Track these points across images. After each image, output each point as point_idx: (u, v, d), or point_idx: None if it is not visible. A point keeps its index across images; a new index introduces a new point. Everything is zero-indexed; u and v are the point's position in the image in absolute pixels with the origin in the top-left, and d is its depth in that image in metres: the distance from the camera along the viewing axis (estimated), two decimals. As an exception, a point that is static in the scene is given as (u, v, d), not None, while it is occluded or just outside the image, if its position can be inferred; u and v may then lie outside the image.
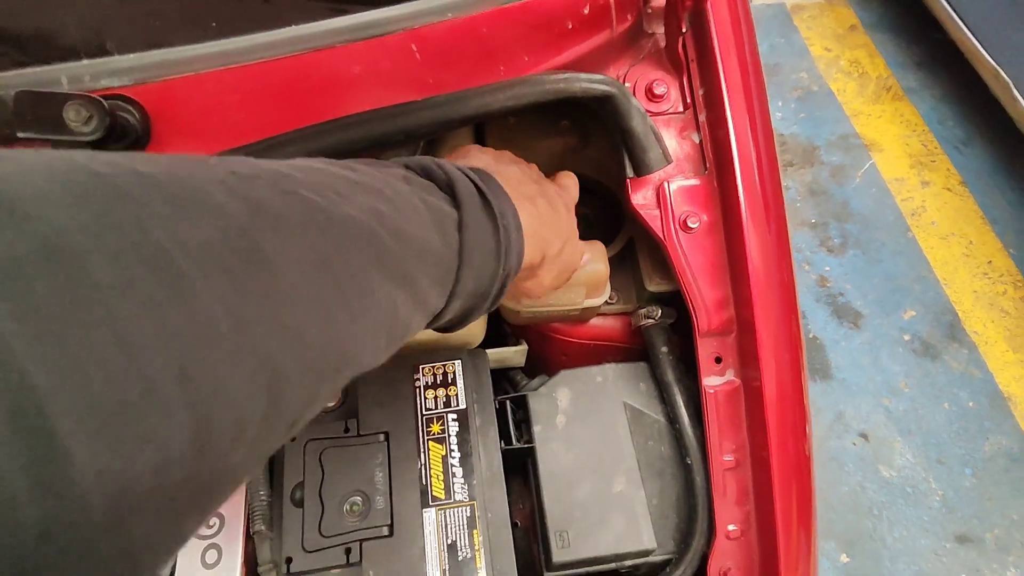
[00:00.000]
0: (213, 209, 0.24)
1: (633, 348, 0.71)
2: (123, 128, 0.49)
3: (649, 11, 0.62)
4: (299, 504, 0.56)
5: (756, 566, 0.59)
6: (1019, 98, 1.89)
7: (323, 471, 0.57)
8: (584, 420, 0.63)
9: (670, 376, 0.63)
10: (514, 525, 0.58)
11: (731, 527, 0.59)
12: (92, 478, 0.17)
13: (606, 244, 0.63)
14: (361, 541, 0.55)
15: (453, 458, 0.58)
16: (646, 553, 0.58)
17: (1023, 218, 2.03)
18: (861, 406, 1.77)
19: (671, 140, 0.62)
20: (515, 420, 0.64)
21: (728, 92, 0.60)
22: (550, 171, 0.57)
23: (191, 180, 0.24)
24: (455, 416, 0.60)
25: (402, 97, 0.55)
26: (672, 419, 0.63)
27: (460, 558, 0.54)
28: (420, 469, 0.57)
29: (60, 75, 0.50)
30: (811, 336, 1.87)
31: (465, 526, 0.55)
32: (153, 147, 0.52)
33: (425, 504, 0.56)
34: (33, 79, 0.50)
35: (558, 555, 0.57)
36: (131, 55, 0.52)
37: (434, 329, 0.41)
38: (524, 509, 0.67)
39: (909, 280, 1.95)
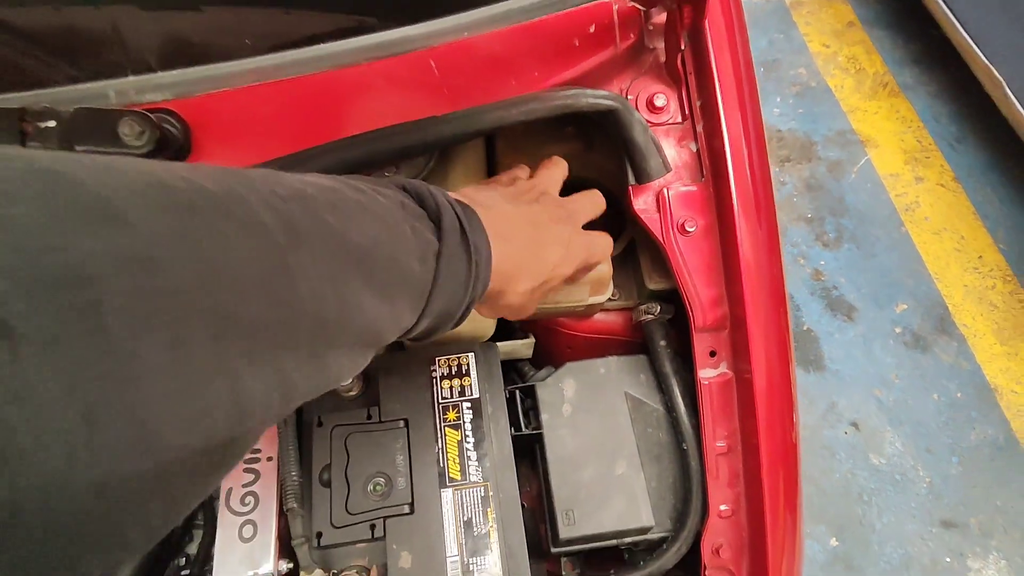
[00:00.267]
0: (258, 226, 0.28)
1: (634, 342, 0.75)
2: (168, 140, 0.53)
3: (650, 28, 0.66)
4: (327, 484, 0.61)
5: (745, 543, 0.63)
6: (1011, 97, 1.91)
7: (348, 454, 0.62)
8: (588, 408, 0.67)
9: (668, 368, 0.67)
10: (521, 506, 0.63)
11: (723, 507, 0.63)
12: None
13: None
14: (384, 518, 0.59)
15: (468, 443, 0.62)
16: (645, 530, 0.63)
17: (1014, 214, 2.07)
18: (853, 397, 1.82)
19: (670, 149, 0.66)
20: (524, 408, 0.69)
21: (723, 104, 0.64)
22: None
23: (244, 199, 0.29)
24: (469, 404, 0.64)
25: (422, 110, 0.59)
26: (670, 408, 0.67)
27: (476, 533, 0.59)
28: (437, 453, 0.62)
29: (108, 90, 0.55)
30: (805, 328, 1.92)
31: (480, 504, 0.60)
32: (193, 157, 0.56)
33: (443, 484, 0.61)
34: (84, 94, 0.54)
35: (564, 531, 0.62)
36: (173, 71, 0.56)
37: (402, 340, 0.45)
38: (531, 492, 0.72)
39: (902, 274, 2.00)
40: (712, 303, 0.64)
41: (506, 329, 0.78)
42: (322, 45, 0.58)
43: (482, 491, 0.60)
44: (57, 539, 0.19)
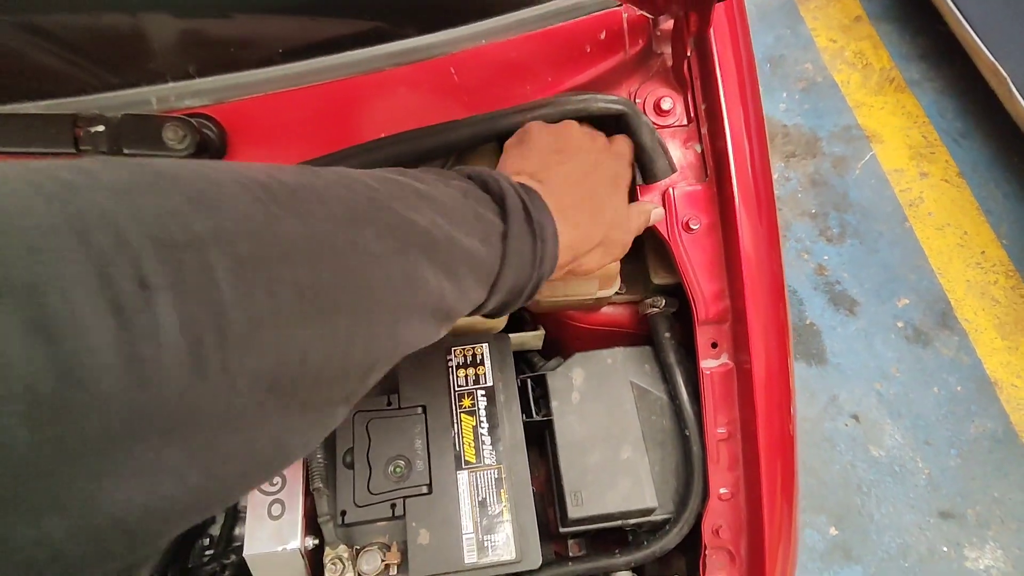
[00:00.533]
0: (331, 209, 0.34)
1: (639, 334, 0.78)
2: (206, 143, 0.57)
3: (658, 33, 0.69)
4: (350, 466, 0.65)
5: (744, 524, 0.67)
6: (1016, 93, 1.92)
7: (370, 438, 0.66)
8: (596, 396, 0.71)
9: (672, 359, 0.70)
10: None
11: (723, 490, 0.67)
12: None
13: None
14: (404, 498, 0.63)
15: (482, 428, 0.66)
16: (648, 512, 0.67)
17: (1017, 210, 2.09)
18: (854, 390, 1.85)
19: (676, 150, 0.69)
20: (534, 396, 0.72)
21: (727, 108, 0.67)
22: None
23: (315, 189, 0.34)
24: (483, 392, 0.68)
25: (442, 112, 0.63)
26: (673, 396, 0.70)
27: (490, 513, 0.62)
28: (454, 437, 0.66)
29: (150, 96, 0.58)
30: (808, 322, 1.95)
31: (494, 486, 0.64)
32: (228, 159, 0.60)
33: (459, 467, 0.64)
34: (128, 100, 0.58)
35: (573, 512, 0.66)
36: (210, 78, 0.60)
37: (481, 315, 0.49)
38: (540, 476, 0.76)
39: (905, 269, 2.02)
40: (714, 297, 0.68)
41: (517, 321, 0.82)
42: (348, 52, 0.61)
43: (496, 473, 0.64)
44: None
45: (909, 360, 1.88)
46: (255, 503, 0.63)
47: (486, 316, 0.50)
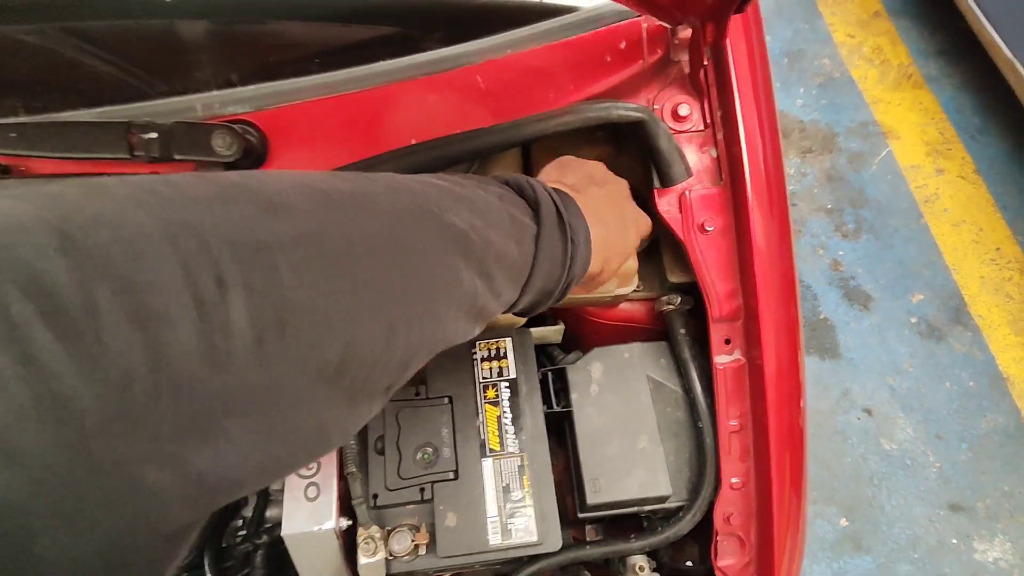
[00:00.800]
0: (381, 212, 0.38)
1: (655, 330, 0.81)
2: (250, 149, 0.61)
3: (676, 42, 0.72)
4: (381, 453, 0.69)
5: (754, 512, 0.70)
6: (1033, 90, 1.93)
7: (399, 426, 0.69)
8: (614, 389, 0.74)
9: (686, 354, 0.73)
10: (551, 478, 0.70)
11: (734, 480, 0.70)
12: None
13: None
14: (432, 483, 0.67)
15: (505, 418, 0.70)
16: (663, 499, 0.70)
17: (1033, 207, 2.09)
18: (867, 384, 1.87)
19: (692, 154, 0.72)
20: (555, 389, 0.75)
21: (742, 114, 0.69)
22: None
23: (368, 194, 0.38)
24: (507, 384, 0.72)
25: (470, 118, 0.66)
26: (687, 390, 0.73)
27: (513, 498, 0.66)
28: (479, 426, 0.69)
29: (196, 103, 0.62)
30: (822, 317, 1.96)
31: (517, 472, 0.67)
32: (268, 164, 0.63)
33: (484, 455, 0.68)
34: (175, 107, 0.62)
35: (591, 498, 0.69)
36: (251, 86, 0.63)
37: (512, 314, 0.53)
38: (559, 465, 0.79)
39: (919, 265, 2.03)
40: (728, 296, 0.71)
41: (538, 316, 0.85)
42: (381, 62, 0.65)
43: (518, 461, 0.68)
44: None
45: (922, 355, 1.89)
46: (292, 485, 0.67)
47: (516, 315, 0.53)
